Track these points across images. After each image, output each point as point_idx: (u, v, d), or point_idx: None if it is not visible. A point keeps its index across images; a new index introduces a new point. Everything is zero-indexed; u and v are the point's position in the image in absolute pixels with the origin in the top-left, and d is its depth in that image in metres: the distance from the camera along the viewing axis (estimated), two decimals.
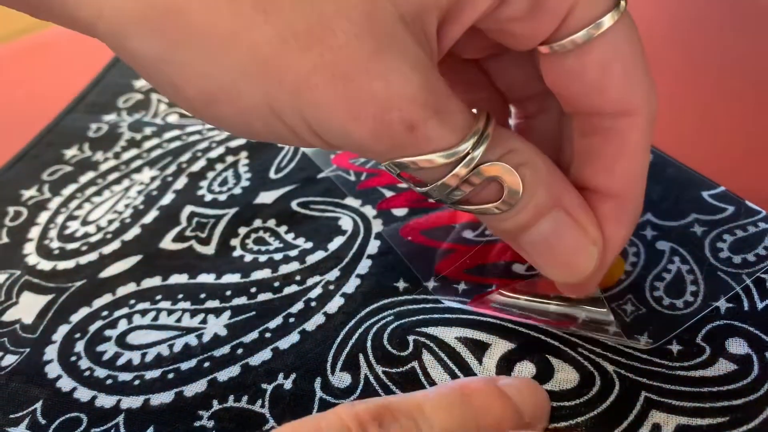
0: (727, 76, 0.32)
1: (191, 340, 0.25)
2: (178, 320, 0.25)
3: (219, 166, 0.32)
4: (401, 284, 0.25)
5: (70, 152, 0.35)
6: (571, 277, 0.19)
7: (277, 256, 0.27)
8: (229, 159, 0.33)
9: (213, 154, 0.33)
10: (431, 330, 0.23)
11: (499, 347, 0.22)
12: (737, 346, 0.21)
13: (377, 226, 0.27)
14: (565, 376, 0.21)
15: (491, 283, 0.24)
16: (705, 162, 0.27)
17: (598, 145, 0.19)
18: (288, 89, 0.16)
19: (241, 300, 0.26)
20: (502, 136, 0.17)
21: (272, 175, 0.31)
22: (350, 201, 0.29)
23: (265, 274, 0.27)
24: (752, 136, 0.29)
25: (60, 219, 0.31)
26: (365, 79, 0.15)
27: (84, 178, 0.33)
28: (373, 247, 0.27)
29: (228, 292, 0.26)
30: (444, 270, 0.25)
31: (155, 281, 0.27)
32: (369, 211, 0.28)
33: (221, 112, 0.17)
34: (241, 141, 0.33)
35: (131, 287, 0.27)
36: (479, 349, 0.22)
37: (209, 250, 0.28)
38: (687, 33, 0.36)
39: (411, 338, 0.23)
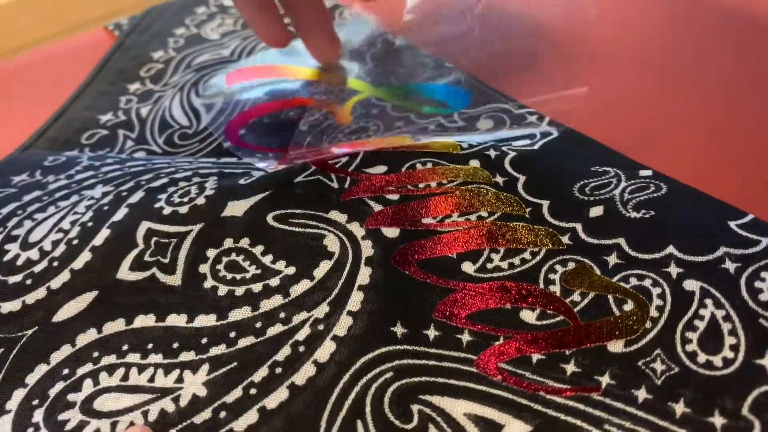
0: (735, 92, 0.28)
1: (167, 404, 0.22)
2: (151, 379, 0.22)
3: (183, 183, 0.28)
4: (399, 329, 0.22)
5: (18, 178, 0.30)
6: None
7: (256, 288, 0.24)
8: (196, 179, 0.28)
9: (179, 175, 0.28)
10: (437, 400, 0.21)
11: (514, 429, 0.20)
12: None
13: (367, 249, 0.24)
14: None
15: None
16: (728, 189, 0.23)
17: None
18: None
19: (220, 348, 0.23)
20: None
21: (241, 180, 0.27)
22: (334, 215, 0.25)
23: (244, 313, 0.23)
24: None
25: None
26: None
27: (28, 197, 0.29)
28: (365, 276, 0.24)
29: (204, 340, 0.23)
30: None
31: (118, 325, 0.24)
32: (356, 228, 0.25)
33: None
34: (214, 170, 0.28)
35: (92, 334, 0.24)
36: (492, 430, 0.20)
37: (175, 280, 0.25)
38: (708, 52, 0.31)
39: (415, 408, 0.20)
